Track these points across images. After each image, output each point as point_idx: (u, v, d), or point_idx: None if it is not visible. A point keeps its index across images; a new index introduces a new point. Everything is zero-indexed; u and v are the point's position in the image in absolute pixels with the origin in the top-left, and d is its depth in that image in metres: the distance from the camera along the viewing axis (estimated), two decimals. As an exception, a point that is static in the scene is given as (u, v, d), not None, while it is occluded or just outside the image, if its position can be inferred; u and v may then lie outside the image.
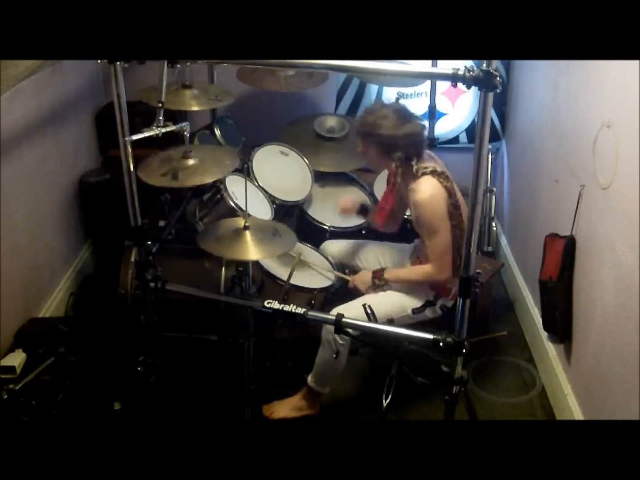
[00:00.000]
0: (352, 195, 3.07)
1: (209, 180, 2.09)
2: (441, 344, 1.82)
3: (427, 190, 2.27)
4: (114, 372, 2.48)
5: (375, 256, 2.69)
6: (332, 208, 3.09)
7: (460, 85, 1.55)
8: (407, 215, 2.96)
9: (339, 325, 1.95)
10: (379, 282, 2.45)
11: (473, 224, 1.67)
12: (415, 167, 2.30)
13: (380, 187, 3.16)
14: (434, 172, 2.28)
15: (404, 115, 2.33)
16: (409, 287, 2.47)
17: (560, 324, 2.48)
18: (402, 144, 2.29)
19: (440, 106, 3.48)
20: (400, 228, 2.76)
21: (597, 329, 2.21)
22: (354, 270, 2.68)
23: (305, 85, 3.24)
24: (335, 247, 2.80)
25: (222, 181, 2.63)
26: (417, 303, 2.45)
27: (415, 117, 2.37)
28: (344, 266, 2.76)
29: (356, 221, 3.01)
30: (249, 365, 2.32)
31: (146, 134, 1.90)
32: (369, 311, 2.25)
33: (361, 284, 2.50)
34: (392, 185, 2.50)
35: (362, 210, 2.84)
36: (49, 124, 2.95)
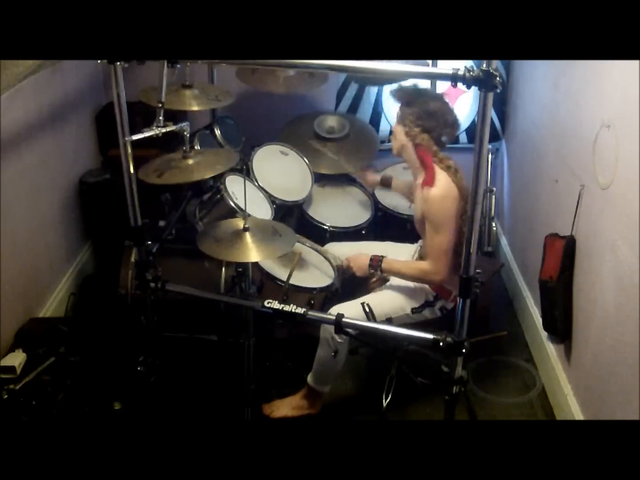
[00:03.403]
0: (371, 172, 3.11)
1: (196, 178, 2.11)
2: (441, 344, 1.82)
3: (442, 186, 2.24)
4: (114, 372, 2.48)
5: None
6: (332, 208, 3.09)
7: (460, 85, 1.55)
8: (407, 215, 2.97)
9: (339, 325, 1.96)
10: (375, 269, 2.42)
11: (473, 224, 1.68)
12: (431, 154, 2.29)
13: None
14: (449, 168, 2.26)
15: (426, 93, 2.35)
16: (409, 288, 2.46)
17: (560, 324, 2.48)
18: (420, 119, 2.28)
19: (440, 106, 3.48)
20: (400, 228, 2.76)
21: (597, 329, 2.21)
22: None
23: (304, 87, 3.23)
24: (338, 250, 2.78)
25: (222, 181, 2.63)
26: (416, 303, 2.44)
27: (441, 99, 2.36)
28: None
29: (356, 221, 3.01)
30: (249, 365, 2.32)
31: (146, 134, 1.90)
32: (367, 310, 2.24)
33: (357, 268, 2.48)
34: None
35: (384, 181, 2.94)
36: (48, 124, 2.95)
